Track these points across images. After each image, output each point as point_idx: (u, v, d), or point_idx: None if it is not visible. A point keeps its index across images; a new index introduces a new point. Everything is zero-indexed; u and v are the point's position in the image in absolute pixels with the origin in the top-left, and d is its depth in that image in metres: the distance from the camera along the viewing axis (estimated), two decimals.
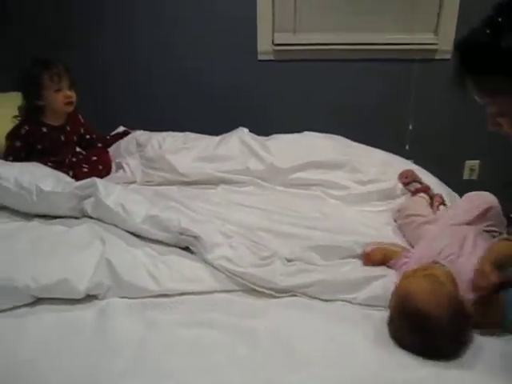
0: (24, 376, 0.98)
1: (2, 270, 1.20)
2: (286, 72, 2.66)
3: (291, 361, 0.98)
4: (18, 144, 1.86)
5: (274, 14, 2.60)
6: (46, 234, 1.39)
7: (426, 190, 1.66)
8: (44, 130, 1.89)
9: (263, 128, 2.10)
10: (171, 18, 2.62)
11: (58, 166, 1.81)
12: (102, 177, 1.91)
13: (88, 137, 2.06)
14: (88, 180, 1.50)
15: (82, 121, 2.06)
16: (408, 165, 1.91)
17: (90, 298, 1.19)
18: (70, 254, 1.27)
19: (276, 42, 2.62)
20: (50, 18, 2.64)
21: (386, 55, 2.58)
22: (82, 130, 2.04)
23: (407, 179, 1.74)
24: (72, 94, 1.88)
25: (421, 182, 1.72)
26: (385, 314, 1.08)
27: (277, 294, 1.18)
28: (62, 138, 1.94)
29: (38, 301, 1.18)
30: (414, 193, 1.67)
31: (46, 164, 1.74)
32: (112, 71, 2.72)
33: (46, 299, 1.18)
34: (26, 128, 1.86)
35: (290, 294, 1.18)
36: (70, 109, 1.92)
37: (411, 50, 2.54)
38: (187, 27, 2.62)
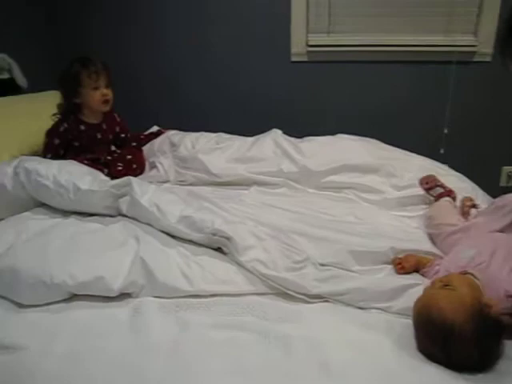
0: (61, 372, 0.99)
1: (41, 266, 1.22)
2: (320, 73, 2.64)
3: (324, 369, 0.95)
4: (56, 141, 1.90)
5: (308, 16, 2.59)
6: (82, 231, 1.41)
7: (449, 193, 1.60)
8: (82, 127, 1.93)
9: (296, 129, 2.09)
10: (205, 20, 2.64)
11: (94, 163, 1.84)
12: (135, 175, 1.93)
13: (123, 135, 2.09)
14: (124, 179, 1.52)
15: (119, 119, 2.09)
16: (443, 169, 1.87)
17: (123, 295, 1.20)
18: (105, 251, 1.28)
19: (310, 43, 2.61)
20: (87, 18, 2.70)
21: (422, 57, 2.53)
22: (117, 129, 2.07)
23: (428, 185, 1.66)
24: (109, 92, 1.91)
25: (443, 186, 1.64)
26: None
27: (310, 300, 1.17)
28: (99, 136, 1.98)
29: (73, 297, 1.20)
30: (438, 197, 1.61)
31: (82, 161, 1.77)
32: (146, 71, 2.76)
33: (80, 295, 1.20)
34: (65, 126, 1.91)
35: (323, 299, 1.17)
36: (107, 107, 1.95)
37: (449, 51, 2.48)
38: (221, 28, 2.64)
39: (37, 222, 1.49)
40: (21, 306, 1.17)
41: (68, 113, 1.92)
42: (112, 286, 1.17)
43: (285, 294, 1.18)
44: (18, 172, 1.54)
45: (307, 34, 2.61)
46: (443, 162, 2.00)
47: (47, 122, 1.96)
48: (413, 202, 1.68)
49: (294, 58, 2.65)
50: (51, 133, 1.92)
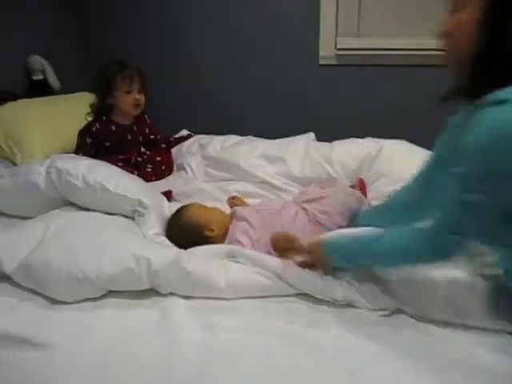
0: (91, 372, 1.01)
1: (72, 260, 1.22)
2: (348, 77, 2.62)
3: (352, 377, 0.94)
4: (88, 140, 1.94)
5: (337, 19, 2.57)
6: (111, 224, 1.43)
7: None
8: (113, 128, 1.97)
9: (325, 132, 2.07)
10: (234, 23, 2.66)
11: (125, 164, 1.87)
12: (164, 177, 1.96)
13: (153, 137, 2.12)
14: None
15: (149, 122, 2.12)
16: None
17: (152, 294, 1.21)
18: (134, 244, 1.29)
19: (339, 46, 2.59)
20: (118, 23, 2.75)
21: None
22: (147, 131, 2.10)
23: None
24: (141, 97, 1.95)
25: None
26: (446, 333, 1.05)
27: (339, 304, 1.16)
28: (129, 137, 2.02)
29: (103, 296, 1.21)
30: None
31: (115, 162, 1.80)
32: (176, 75, 2.80)
33: (111, 294, 1.21)
34: (97, 126, 1.95)
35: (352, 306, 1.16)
36: (137, 111, 1.99)
37: None
38: (250, 31, 2.64)
39: (64, 216, 1.51)
40: (53, 302, 1.19)
41: (100, 113, 1.97)
42: (142, 277, 1.18)
43: (315, 298, 1.17)
44: (49, 171, 1.57)
45: (336, 37, 2.59)
46: None
47: (79, 122, 2.01)
48: None
49: (322, 62, 2.64)
50: (83, 132, 1.96)
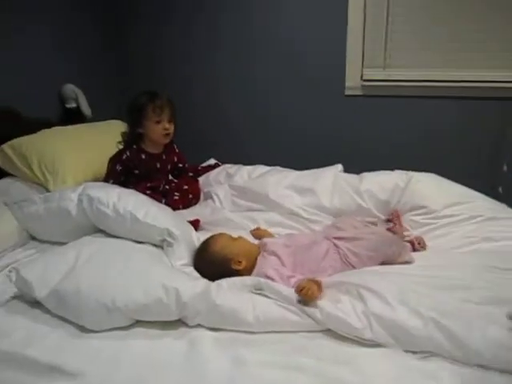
0: None
1: (102, 289, 1.25)
2: (374, 107, 2.64)
3: None
4: (118, 168, 1.99)
5: (364, 50, 2.60)
6: (140, 253, 1.45)
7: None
8: (142, 156, 2.01)
9: (349, 164, 2.07)
10: (260, 52, 2.71)
11: (153, 192, 1.91)
12: (191, 205, 1.98)
13: (181, 165, 2.16)
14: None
15: (177, 151, 2.16)
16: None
17: (179, 325, 1.22)
18: (164, 275, 1.30)
19: (365, 77, 2.62)
20: (149, 55, 2.84)
21: (480, 93, 2.48)
22: (175, 159, 2.14)
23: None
24: (170, 126, 1.99)
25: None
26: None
27: (366, 343, 1.14)
28: (158, 166, 2.05)
29: (131, 325, 1.23)
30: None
31: (143, 190, 1.84)
32: (202, 105, 2.87)
33: (139, 324, 1.22)
34: (127, 154, 1.99)
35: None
36: (167, 140, 2.03)
37: (508, 87, 2.42)
38: (274, 60, 2.70)
39: (95, 243, 1.53)
40: (83, 330, 1.21)
41: (131, 142, 2.02)
42: (171, 308, 1.19)
43: (339, 334, 1.16)
44: (81, 199, 1.60)
45: (362, 68, 2.62)
46: (501, 202, 1.92)
47: (109, 150, 2.06)
48: None
49: (348, 92, 2.67)
50: (114, 160, 2.01)
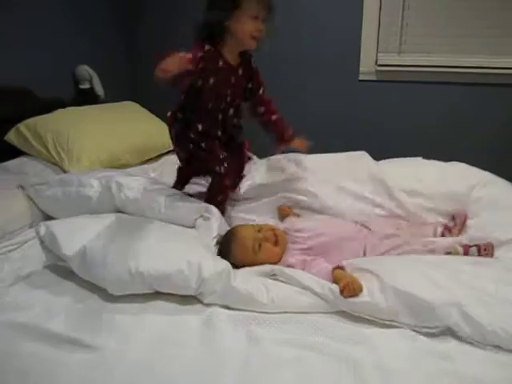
0: (133, 378, 1.03)
1: (128, 253, 1.27)
2: (389, 93, 2.62)
3: None
4: (186, 80, 1.56)
5: (379, 35, 2.58)
6: (170, 229, 1.48)
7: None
8: (220, 63, 1.60)
9: (367, 148, 2.05)
10: (274, 37, 2.69)
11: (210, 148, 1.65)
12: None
13: (256, 89, 1.75)
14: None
15: (255, 67, 1.74)
16: None
17: (195, 302, 1.24)
18: (190, 249, 1.34)
19: (380, 62, 2.60)
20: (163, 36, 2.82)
21: (496, 79, 2.45)
22: (250, 84, 1.73)
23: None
24: (264, 29, 1.57)
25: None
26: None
27: (380, 322, 1.16)
28: (232, 80, 1.65)
29: (149, 300, 1.24)
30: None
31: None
32: None
33: (156, 299, 1.24)
34: (204, 52, 1.55)
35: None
36: (254, 45, 1.60)
37: None
38: (291, 45, 2.68)
39: (128, 217, 1.56)
40: (101, 306, 1.23)
41: (209, 35, 1.59)
42: (191, 282, 1.21)
43: (353, 316, 1.17)
44: (110, 186, 1.60)
45: (377, 53, 2.60)
46: None
47: (124, 131, 2.06)
48: None
49: (362, 77, 2.65)
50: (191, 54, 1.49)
